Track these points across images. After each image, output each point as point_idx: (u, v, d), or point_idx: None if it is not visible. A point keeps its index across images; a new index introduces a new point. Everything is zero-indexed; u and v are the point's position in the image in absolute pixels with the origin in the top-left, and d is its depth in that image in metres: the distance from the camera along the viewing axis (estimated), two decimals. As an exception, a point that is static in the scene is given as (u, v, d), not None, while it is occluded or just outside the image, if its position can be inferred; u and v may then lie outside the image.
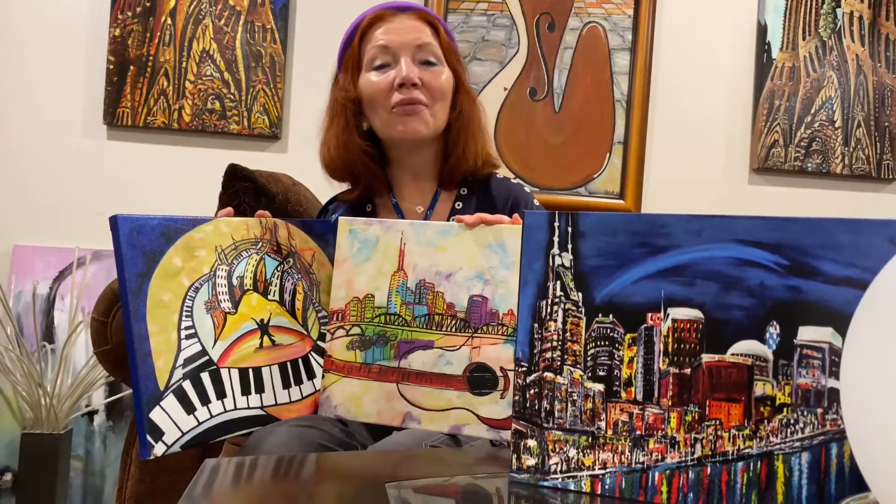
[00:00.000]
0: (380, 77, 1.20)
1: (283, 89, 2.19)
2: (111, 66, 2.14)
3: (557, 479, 0.64)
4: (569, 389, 0.65)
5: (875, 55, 2.33)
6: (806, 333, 0.58)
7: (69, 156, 2.17)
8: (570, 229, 0.66)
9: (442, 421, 0.91)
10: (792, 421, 0.57)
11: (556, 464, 0.64)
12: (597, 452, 0.63)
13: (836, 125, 2.32)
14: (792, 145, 2.31)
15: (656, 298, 0.62)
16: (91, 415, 2.10)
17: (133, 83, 2.15)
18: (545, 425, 0.65)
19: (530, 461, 0.66)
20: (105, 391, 2.11)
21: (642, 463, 0.62)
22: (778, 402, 0.58)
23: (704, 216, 0.62)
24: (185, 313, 0.93)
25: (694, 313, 0.61)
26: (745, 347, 0.59)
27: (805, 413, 0.57)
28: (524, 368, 0.66)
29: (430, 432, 0.93)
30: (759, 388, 0.59)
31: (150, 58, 2.16)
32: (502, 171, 1.34)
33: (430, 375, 0.92)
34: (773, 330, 0.59)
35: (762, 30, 2.31)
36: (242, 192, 1.35)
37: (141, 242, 0.91)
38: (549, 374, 0.65)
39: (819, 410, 0.57)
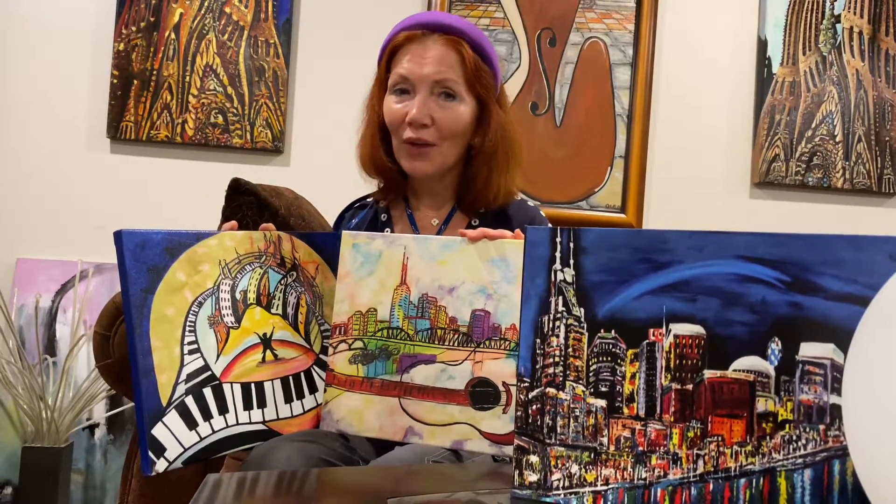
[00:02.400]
0: (398, 105, 1.20)
1: (285, 103, 2.20)
2: (115, 81, 2.16)
3: (560, 495, 0.64)
4: (571, 405, 0.65)
5: (875, 70, 2.34)
6: (808, 349, 0.58)
7: (72, 169, 2.17)
8: (571, 245, 0.66)
9: (444, 436, 0.91)
10: (794, 437, 0.57)
11: (559, 480, 0.64)
12: (599, 468, 0.63)
13: (837, 140, 2.33)
14: (793, 160, 2.32)
15: (658, 314, 0.62)
16: (92, 428, 2.10)
17: (137, 97, 2.16)
18: (547, 441, 0.65)
19: (532, 477, 0.65)
20: (106, 405, 2.10)
21: (644, 479, 0.61)
22: (780, 419, 0.58)
23: (706, 232, 0.62)
24: (188, 328, 0.93)
25: (696, 329, 0.61)
26: (747, 363, 0.60)
27: (807, 429, 0.57)
28: (526, 384, 0.66)
29: (432, 447, 0.93)
30: (762, 405, 0.59)
31: (154, 72, 2.17)
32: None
33: (432, 390, 0.92)
34: (775, 346, 0.59)
35: (762, 45, 2.32)
36: (245, 205, 1.36)
37: (145, 257, 0.91)
38: (551, 390, 0.65)
39: (821, 427, 0.57)
